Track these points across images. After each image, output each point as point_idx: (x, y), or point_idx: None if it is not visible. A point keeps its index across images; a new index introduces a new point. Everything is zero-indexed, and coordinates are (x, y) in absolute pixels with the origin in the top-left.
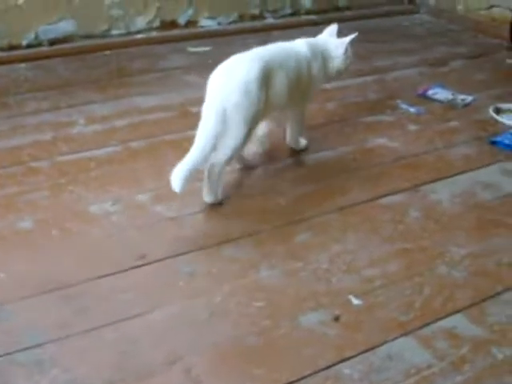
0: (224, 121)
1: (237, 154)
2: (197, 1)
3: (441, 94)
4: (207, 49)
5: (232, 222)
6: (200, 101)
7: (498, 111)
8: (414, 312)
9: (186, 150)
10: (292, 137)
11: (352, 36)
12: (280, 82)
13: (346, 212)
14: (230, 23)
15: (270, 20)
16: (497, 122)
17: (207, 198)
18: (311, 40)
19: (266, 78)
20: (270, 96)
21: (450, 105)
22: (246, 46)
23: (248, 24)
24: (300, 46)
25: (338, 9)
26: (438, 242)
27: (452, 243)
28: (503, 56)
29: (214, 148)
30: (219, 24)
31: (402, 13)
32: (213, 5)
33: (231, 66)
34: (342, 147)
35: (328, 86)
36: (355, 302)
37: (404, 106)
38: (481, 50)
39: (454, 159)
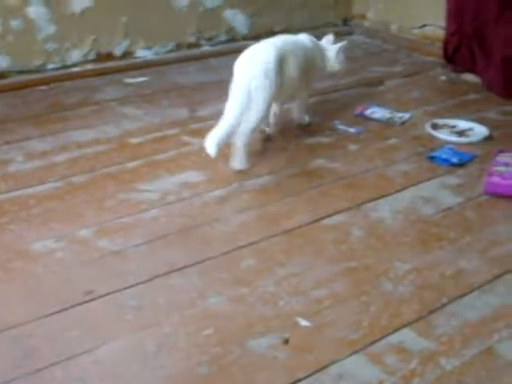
0: (248, 99)
1: (258, 126)
2: (132, 32)
3: (378, 112)
4: (144, 79)
5: (177, 251)
6: (138, 132)
7: (434, 127)
8: (362, 330)
9: (126, 182)
10: (299, 114)
11: (343, 43)
12: (292, 67)
13: (290, 235)
14: (167, 52)
15: (206, 47)
16: (434, 137)
17: (237, 165)
18: (311, 37)
19: (281, 63)
20: (284, 79)
21: (388, 123)
22: (183, 75)
23: (185, 52)
24: (304, 38)
25: (273, 33)
26: (382, 259)
27: (396, 259)
28: (437, 73)
29: (239, 120)
30: (156, 54)
31: (338, 34)
32: (148, 35)
33: (253, 53)
34: (283, 170)
35: None
36: (304, 323)
37: (343, 127)
38: (416, 68)
39: (394, 176)
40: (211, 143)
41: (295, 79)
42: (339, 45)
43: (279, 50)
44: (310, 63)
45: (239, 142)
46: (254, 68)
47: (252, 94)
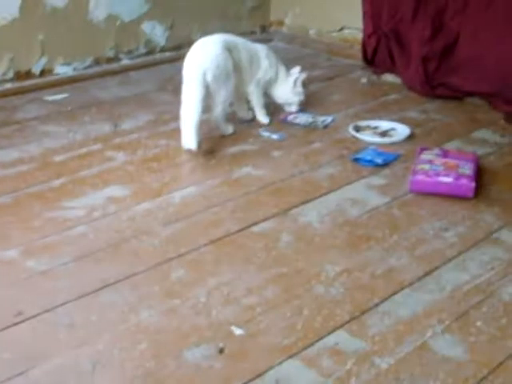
0: (207, 91)
1: (227, 107)
2: (50, 48)
3: (301, 117)
4: (65, 96)
5: (106, 267)
6: (61, 149)
7: (357, 129)
8: (296, 334)
9: (51, 200)
10: (244, 111)
11: (302, 74)
12: (238, 56)
13: (218, 244)
14: (86, 68)
15: (125, 61)
16: (357, 139)
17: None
18: (270, 51)
19: (229, 52)
20: (235, 65)
21: (311, 127)
22: (104, 90)
23: (104, 67)
24: (258, 45)
25: (192, 43)
26: (312, 263)
27: (326, 262)
28: (358, 75)
29: (202, 113)
30: (75, 70)
31: (257, 42)
32: (67, 51)
33: (201, 46)
34: (208, 181)
35: None
36: (238, 331)
37: (266, 134)
38: (336, 72)
39: (319, 180)
40: (190, 138)
41: (242, 69)
42: (295, 76)
43: (225, 41)
44: (256, 62)
45: (216, 123)
46: (205, 60)
47: (210, 85)
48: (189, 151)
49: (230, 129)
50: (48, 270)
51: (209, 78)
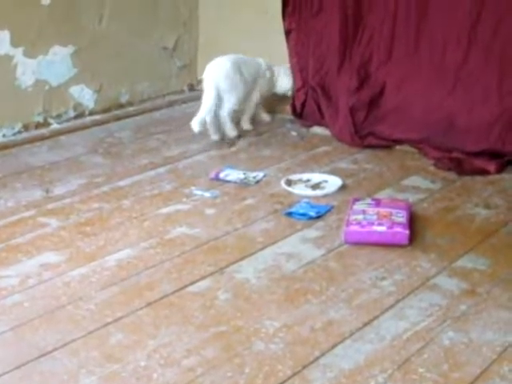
0: (219, 98)
1: (233, 110)
2: None
3: (232, 174)
4: None
5: (44, 335)
6: None
7: (289, 183)
8: None
9: None
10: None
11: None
12: (245, 72)
13: (155, 306)
14: (15, 134)
15: (55, 126)
16: (290, 193)
17: (215, 136)
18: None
19: (237, 67)
20: (242, 79)
21: (243, 184)
22: (34, 155)
23: (34, 132)
24: (260, 59)
25: (121, 106)
26: (251, 320)
27: (265, 318)
28: (287, 129)
29: (214, 106)
30: (4, 136)
31: (185, 101)
32: None
33: (213, 64)
34: (143, 242)
35: (121, 183)
36: None
37: (199, 192)
38: (266, 127)
39: (254, 236)
40: (196, 122)
41: (249, 83)
42: (281, 67)
43: (233, 59)
44: (262, 76)
45: (221, 120)
46: (217, 74)
47: (221, 94)
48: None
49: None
50: None
51: (220, 86)
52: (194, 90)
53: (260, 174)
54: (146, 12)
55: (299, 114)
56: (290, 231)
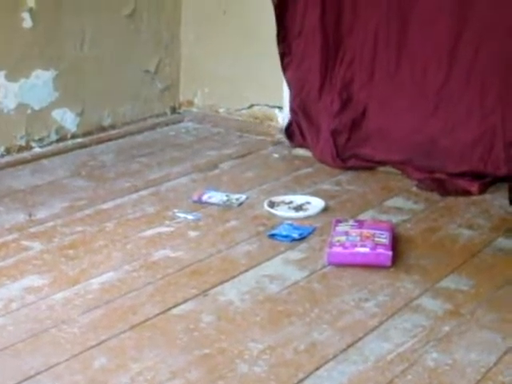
0: None
1: None
2: None
3: (215, 197)
4: None
5: (27, 359)
6: None
7: (271, 205)
8: None
9: None
10: None
11: None
12: None
13: (139, 329)
14: None
15: (37, 149)
16: (272, 215)
17: None
18: None
19: None
20: None
21: (226, 206)
22: (16, 179)
23: (15, 156)
24: None
25: (103, 129)
26: (235, 342)
27: (249, 340)
28: (270, 151)
29: None
30: None
31: (167, 123)
32: None
33: None
34: (126, 265)
35: (104, 205)
36: None
37: (182, 215)
38: (248, 149)
39: (237, 258)
40: None
41: None
42: None
43: None
44: None
45: None
46: None
47: None
48: None
49: None
50: None
51: None
52: (176, 112)
53: (243, 196)
54: (127, 35)
55: (287, 136)
56: (274, 253)
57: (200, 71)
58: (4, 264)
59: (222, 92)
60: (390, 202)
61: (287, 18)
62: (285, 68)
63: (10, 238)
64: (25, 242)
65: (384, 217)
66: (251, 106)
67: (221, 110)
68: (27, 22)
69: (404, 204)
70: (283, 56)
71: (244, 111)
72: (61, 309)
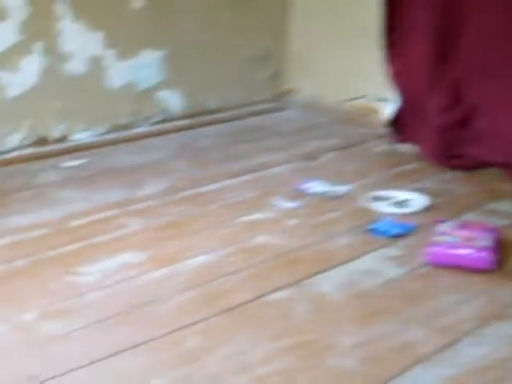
0: None
1: None
2: (68, 115)
3: (316, 187)
4: (82, 162)
5: (119, 333)
6: (77, 215)
7: (373, 199)
8: None
9: (67, 265)
10: None
11: None
12: None
13: (231, 313)
14: (103, 134)
15: (142, 128)
16: (373, 210)
17: None
18: None
19: None
20: None
21: (325, 197)
22: (120, 157)
23: (121, 134)
24: None
25: (207, 112)
26: (326, 334)
27: (341, 333)
28: (374, 144)
29: None
30: (92, 136)
31: (271, 111)
32: (84, 118)
33: None
34: (222, 249)
35: (203, 188)
36: None
37: (281, 203)
38: (352, 141)
39: (334, 250)
40: None
41: None
42: None
43: None
44: None
45: None
46: None
47: None
48: None
49: None
50: (63, 334)
51: None
52: (281, 100)
53: (344, 188)
54: (238, 20)
55: (392, 130)
56: (371, 248)
57: (307, 60)
58: (104, 239)
59: (328, 82)
60: (495, 205)
61: (396, 10)
62: (392, 61)
63: (110, 213)
64: (124, 219)
65: (487, 219)
66: (357, 98)
67: (326, 100)
68: (138, 2)
69: (509, 208)
70: (390, 49)
71: (349, 102)
72: (155, 287)
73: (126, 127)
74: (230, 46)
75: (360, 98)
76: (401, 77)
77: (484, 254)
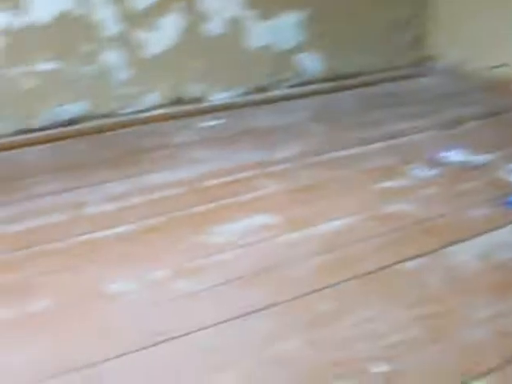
0: None
1: None
2: (206, 75)
3: (455, 156)
4: (218, 123)
5: (251, 294)
6: (212, 175)
7: None
8: (438, 379)
9: (200, 224)
10: None
11: None
12: None
13: (364, 279)
14: (240, 96)
15: (280, 90)
16: None
17: None
18: None
19: None
20: None
21: (465, 167)
22: (257, 118)
23: (258, 95)
24: None
25: (346, 76)
26: (461, 304)
27: (476, 304)
28: None
29: None
30: (229, 97)
31: (412, 76)
32: (222, 78)
33: None
34: (357, 215)
35: (339, 153)
36: (377, 369)
37: (417, 171)
38: (494, 110)
39: (472, 221)
40: None
41: None
42: None
43: None
44: None
45: None
46: None
47: None
48: None
49: None
50: (193, 292)
51: None
52: (422, 65)
53: (483, 159)
54: None
55: None
56: (509, 220)
57: (451, 25)
58: (237, 200)
59: (473, 48)
60: None
61: None
62: None
63: (245, 175)
64: (259, 181)
65: None
66: (501, 66)
67: (469, 67)
68: None
69: None
70: None
71: (492, 70)
72: (288, 250)
73: (263, 89)
74: (371, 9)
75: (503, 65)
76: None
77: None
